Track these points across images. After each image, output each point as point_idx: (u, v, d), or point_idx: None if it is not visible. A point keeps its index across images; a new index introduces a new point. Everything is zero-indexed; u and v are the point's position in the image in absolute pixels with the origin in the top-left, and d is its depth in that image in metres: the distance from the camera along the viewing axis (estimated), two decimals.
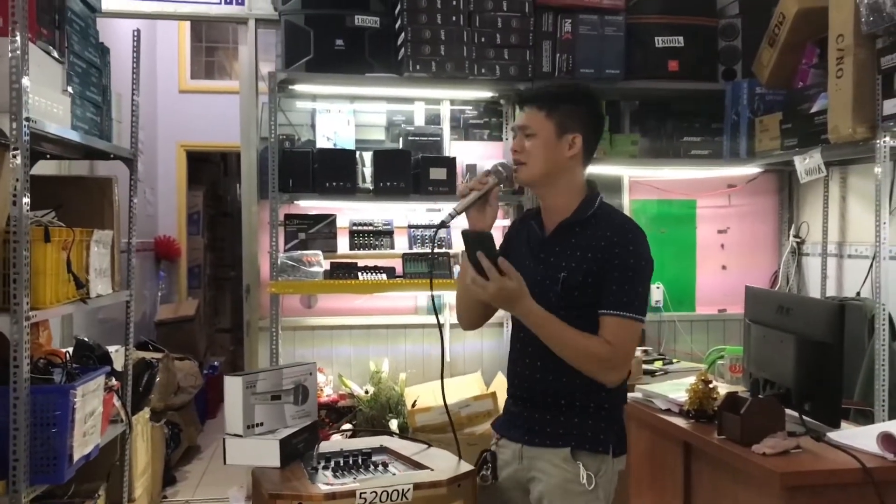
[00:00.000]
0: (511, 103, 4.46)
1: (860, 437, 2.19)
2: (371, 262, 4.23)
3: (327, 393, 4.34)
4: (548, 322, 2.00)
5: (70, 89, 2.72)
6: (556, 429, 2.08)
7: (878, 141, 3.24)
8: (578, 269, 2.05)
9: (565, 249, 2.09)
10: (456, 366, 4.53)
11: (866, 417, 3.38)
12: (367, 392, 4.30)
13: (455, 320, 2.43)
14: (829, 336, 2.24)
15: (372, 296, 4.45)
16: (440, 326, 2.30)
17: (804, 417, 2.29)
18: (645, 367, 3.80)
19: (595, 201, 2.13)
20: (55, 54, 2.60)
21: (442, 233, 4.44)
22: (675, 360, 4.17)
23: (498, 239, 2.10)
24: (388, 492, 1.91)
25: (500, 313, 2.37)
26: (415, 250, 4.37)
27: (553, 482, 2.05)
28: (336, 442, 2.40)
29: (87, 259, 2.80)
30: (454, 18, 4.02)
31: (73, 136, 2.69)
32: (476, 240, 1.96)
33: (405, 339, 4.57)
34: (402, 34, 4.03)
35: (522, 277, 1.99)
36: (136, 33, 3.34)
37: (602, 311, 2.03)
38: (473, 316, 2.26)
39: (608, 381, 2.03)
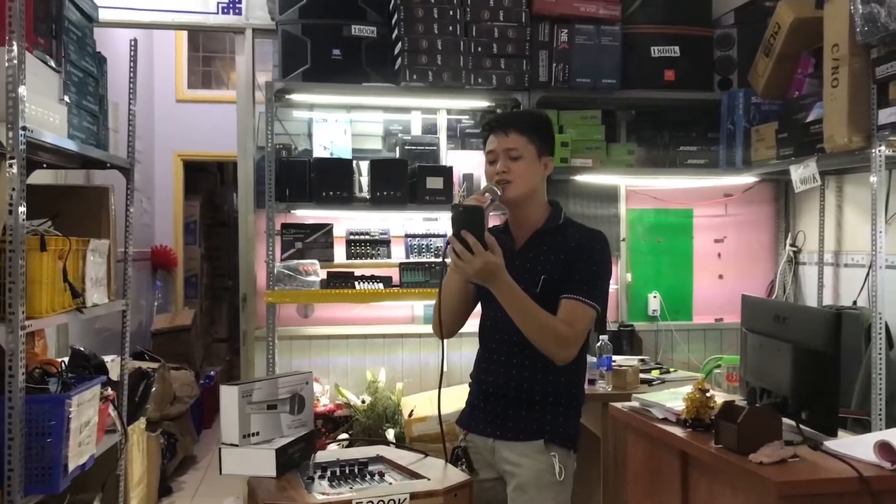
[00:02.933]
0: None
1: (857, 446, 2.18)
2: (368, 272, 4.23)
3: (324, 402, 4.33)
4: (521, 296, 2.14)
5: (67, 98, 2.72)
6: (530, 424, 2.25)
7: (873, 150, 3.25)
8: (555, 268, 2.25)
9: (539, 255, 2.30)
10: (452, 376, 4.50)
11: (863, 426, 3.38)
12: (363, 402, 4.30)
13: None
14: (826, 345, 2.24)
15: (369, 305, 4.45)
16: (442, 337, 2.34)
17: (801, 426, 2.28)
18: (642, 375, 3.79)
19: (561, 214, 2.37)
20: (52, 63, 2.60)
21: (438, 242, 4.44)
22: (672, 370, 4.16)
23: None
24: (384, 501, 1.90)
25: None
26: (412, 259, 4.37)
27: (527, 473, 2.21)
28: (332, 451, 2.39)
29: (84, 268, 2.79)
30: (451, 28, 4.04)
31: (70, 146, 2.68)
32: (464, 215, 2.06)
33: (402, 349, 4.56)
34: (399, 44, 4.04)
35: None
36: (132, 43, 3.34)
37: (564, 295, 2.21)
38: (455, 314, 2.34)
39: (560, 358, 2.19)
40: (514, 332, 2.22)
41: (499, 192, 2.25)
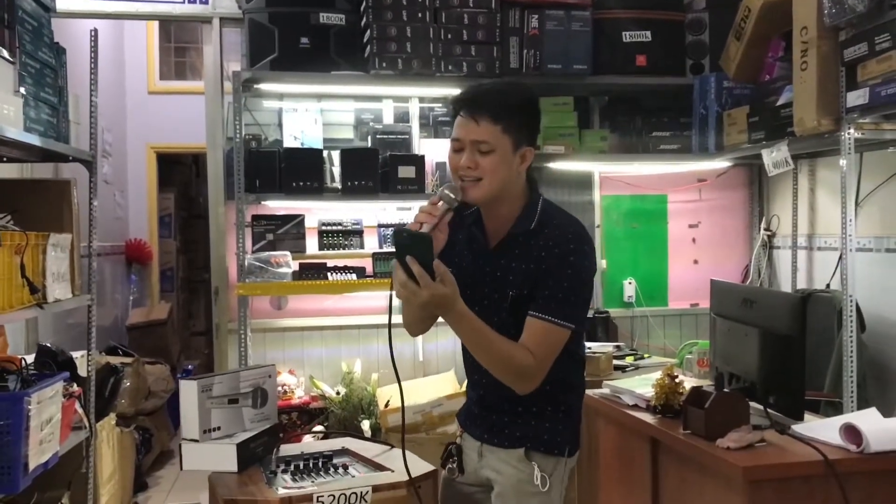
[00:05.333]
0: None
1: (824, 430, 2.18)
2: (341, 262, 4.18)
3: (299, 395, 4.30)
4: (478, 328, 1.90)
5: (22, 90, 2.65)
6: (514, 431, 2.05)
7: (842, 133, 3.24)
8: (525, 284, 1.97)
9: (510, 262, 2.01)
10: (429, 365, 4.51)
11: (836, 409, 3.39)
12: (338, 393, 4.27)
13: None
14: (792, 329, 2.23)
15: (343, 296, 4.41)
16: (389, 328, 2.02)
17: (769, 410, 2.28)
18: (616, 362, 3.78)
19: (537, 206, 2.04)
20: (5, 54, 2.53)
21: None
22: (647, 356, 4.17)
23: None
24: (346, 495, 1.88)
25: None
26: (385, 249, 4.33)
27: (508, 482, 2.04)
28: (297, 445, 2.36)
29: (44, 263, 2.74)
30: (420, 15, 3.99)
31: (26, 138, 2.62)
32: (409, 241, 1.80)
33: (377, 340, 4.52)
34: (368, 31, 3.99)
35: (472, 286, 1.97)
36: (93, 33, 3.27)
37: (531, 313, 1.94)
38: (418, 322, 2.15)
39: (521, 390, 1.95)
40: None
41: (455, 199, 1.92)
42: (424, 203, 1.93)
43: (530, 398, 2.00)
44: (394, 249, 1.81)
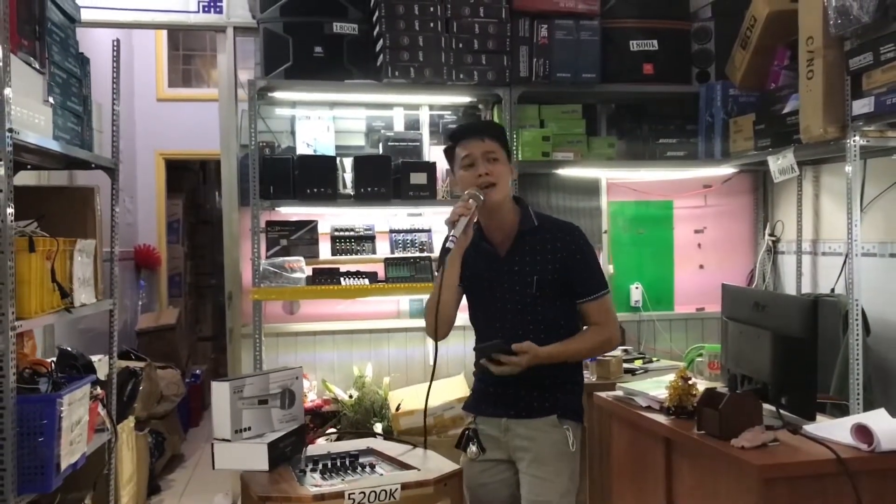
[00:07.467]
0: (489, 108, 4.50)
1: (835, 429, 2.24)
2: (353, 268, 4.26)
3: (311, 398, 4.35)
4: (562, 350, 2.38)
5: (51, 99, 2.72)
6: (543, 402, 2.41)
7: (848, 140, 3.31)
8: (545, 269, 2.42)
9: (525, 255, 2.44)
10: (440, 369, 4.54)
11: (842, 411, 3.45)
12: (351, 396, 4.32)
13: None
14: (804, 331, 2.30)
15: (355, 301, 4.47)
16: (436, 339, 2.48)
17: (781, 411, 2.34)
18: (625, 365, 3.84)
19: (528, 210, 2.50)
20: (36, 65, 2.60)
21: (423, 237, 4.48)
22: (654, 359, 4.23)
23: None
24: (375, 492, 1.94)
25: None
26: (397, 255, 4.40)
27: (544, 446, 2.37)
28: (323, 445, 2.43)
29: (71, 268, 2.80)
30: (432, 25, 4.07)
31: (55, 147, 2.69)
32: (484, 349, 2.36)
33: (388, 344, 4.59)
34: (381, 41, 4.06)
35: (494, 286, 2.44)
36: (115, 43, 3.35)
37: (582, 301, 2.44)
38: (445, 323, 2.47)
39: (614, 348, 2.64)
40: (518, 326, 2.38)
41: (482, 198, 2.34)
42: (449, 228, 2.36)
43: (556, 372, 2.40)
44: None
